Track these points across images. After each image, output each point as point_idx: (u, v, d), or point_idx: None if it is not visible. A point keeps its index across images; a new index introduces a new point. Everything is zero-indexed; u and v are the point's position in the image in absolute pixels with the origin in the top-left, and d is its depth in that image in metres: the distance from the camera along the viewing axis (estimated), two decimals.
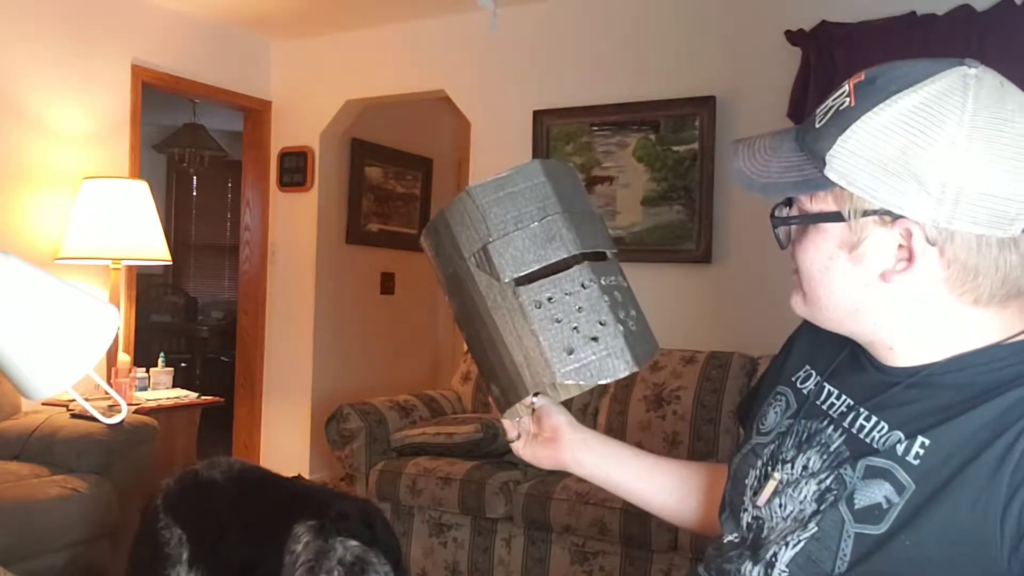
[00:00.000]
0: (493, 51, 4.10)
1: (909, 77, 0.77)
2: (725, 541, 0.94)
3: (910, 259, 0.78)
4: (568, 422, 1.08)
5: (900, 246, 0.78)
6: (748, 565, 0.87)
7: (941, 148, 0.74)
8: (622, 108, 3.76)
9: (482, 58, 4.15)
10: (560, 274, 0.91)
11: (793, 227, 0.87)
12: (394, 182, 5.22)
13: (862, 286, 0.81)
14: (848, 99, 0.80)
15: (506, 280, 0.91)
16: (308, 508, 1.90)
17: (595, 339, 0.90)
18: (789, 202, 0.87)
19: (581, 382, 0.90)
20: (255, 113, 4.74)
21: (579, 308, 0.90)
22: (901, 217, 0.77)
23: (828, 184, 0.79)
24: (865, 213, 0.78)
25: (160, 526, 1.97)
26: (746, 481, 0.93)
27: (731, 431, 3.20)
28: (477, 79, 4.18)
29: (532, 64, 4.03)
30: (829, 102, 0.82)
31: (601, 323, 0.90)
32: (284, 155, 4.72)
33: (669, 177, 3.67)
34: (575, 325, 0.90)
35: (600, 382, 0.89)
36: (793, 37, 3.33)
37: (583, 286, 0.91)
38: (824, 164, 0.79)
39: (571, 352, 0.89)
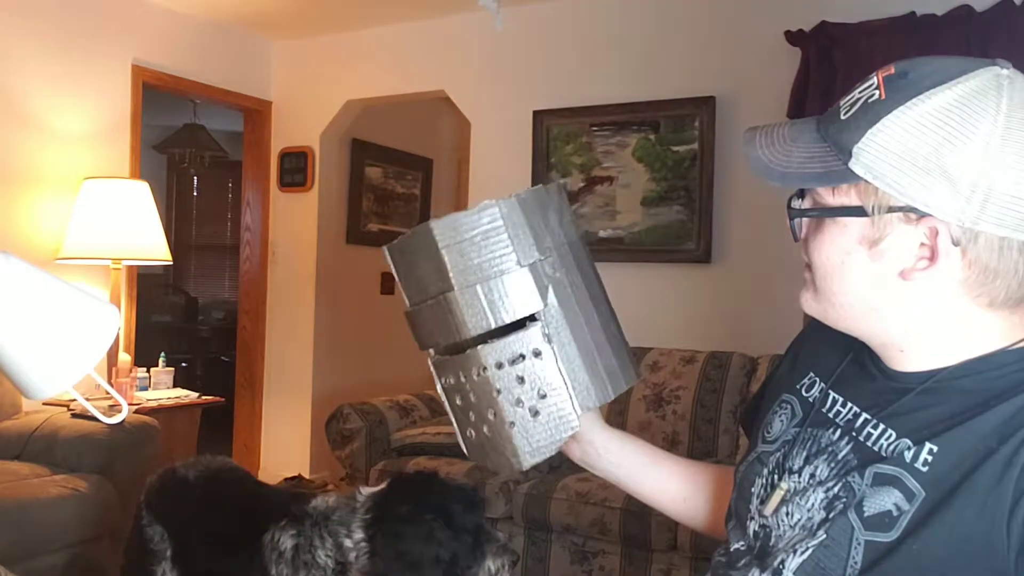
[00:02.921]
0: (493, 51, 4.10)
1: (942, 74, 0.75)
2: (732, 549, 0.93)
3: (932, 258, 0.77)
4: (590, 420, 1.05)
5: (922, 244, 0.77)
6: (755, 572, 0.86)
7: (975, 147, 0.72)
8: (622, 108, 3.76)
9: (482, 58, 4.15)
10: (461, 356, 0.91)
11: (808, 220, 0.85)
12: (394, 182, 5.22)
13: (879, 284, 0.80)
14: (877, 92, 0.77)
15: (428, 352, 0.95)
16: (277, 512, 1.84)
17: (489, 426, 0.91)
18: (802, 194, 0.85)
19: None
20: (255, 113, 4.74)
21: (474, 397, 0.91)
22: (927, 215, 0.75)
23: (852, 177, 0.77)
24: (890, 209, 0.76)
25: (144, 523, 1.97)
26: (752, 490, 0.92)
27: (731, 431, 3.20)
28: (477, 79, 4.18)
29: (532, 64, 4.03)
30: (855, 94, 0.80)
31: (493, 414, 0.91)
32: (284, 155, 4.72)
33: (669, 177, 3.67)
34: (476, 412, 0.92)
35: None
36: (793, 37, 3.33)
37: (477, 374, 0.90)
38: (850, 156, 0.77)
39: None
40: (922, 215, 0.76)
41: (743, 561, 0.90)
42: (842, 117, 0.79)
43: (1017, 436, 0.73)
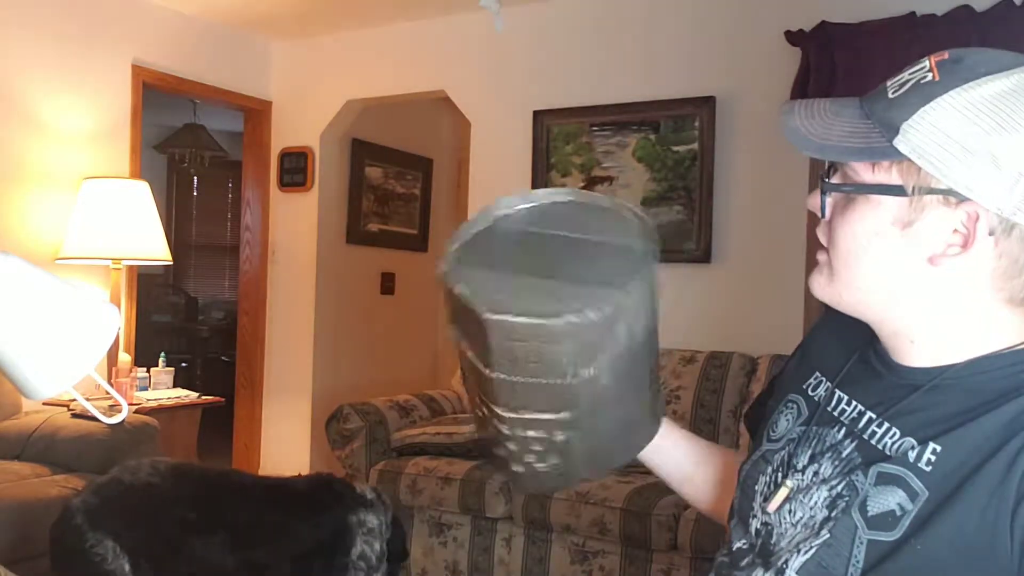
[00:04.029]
0: (493, 51, 4.10)
1: (999, 62, 0.75)
2: (735, 548, 0.92)
3: (965, 245, 0.76)
4: None
5: (955, 231, 0.76)
6: (759, 572, 0.86)
7: None
8: (622, 108, 3.76)
9: (482, 58, 4.15)
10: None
11: (835, 198, 0.83)
12: (394, 182, 5.22)
13: (905, 267, 0.79)
14: (931, 74, 0.76)
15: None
16: (317, 499, 2.06)
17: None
18: (829, 174, 0.84)
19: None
20: (255, 113, 4.74)
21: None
22: (966, 200, 0.74)
23: (895, 155, 0.76)
24: (930, 191, 0.75)
25: (88, 545, 1.87)
26: (756, 487, 0.92)
27: (731, 431, 3.20)
28: (477, 79, 4.18)
29: (532, 64, 4.03)
30: (904, 75, 0.79)
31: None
32: (284, 155, 4.72)
33: (669, 177, 3.67)
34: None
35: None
36: (793, 37, 3.33)
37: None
38: (896, 134, 0.75)
39: None
40: (962, 199, 0.75)
41: (746, 560, 0.89)
42: (890, 96, 0.78)
43: (1020, 436, 0.73)
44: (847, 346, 0.91)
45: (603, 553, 2.88)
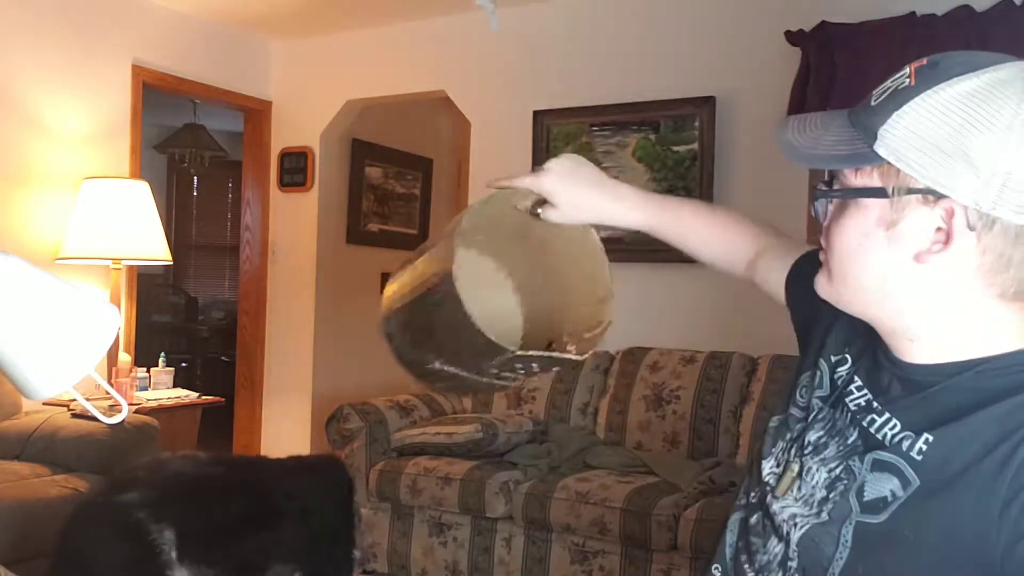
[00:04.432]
0: (493, 51, 4.10)
1: (971, 63, 0.77)
2: (752, 501, 0.97)
3: (947, 241, 0.78)
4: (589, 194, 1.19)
5: (938, 229, 0.78)
6: (773, 541, 0.90)
7: (997, 132, 0.74)
8: (622, 108, 3.76)
9: (482, 58, 4.15)
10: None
11: (832, 204, 0.87)
12: (394, 182, 5.22)
13: (894, 267, 0.81)
14: (908, 79, 0.79)
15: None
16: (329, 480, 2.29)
17: None
18: (830, 182, 0.87)
19: None
20: (255, 113, 4.74)
21: None
22: (944, 197, 0.76)
23: (876, 159, 0.79)
24: (910, 191, 0.78)
25: (152, 537, 1.95)
26: (774, 449, 0.96)
27: (731, 431, 3.20)
28: (477, 79, 4.18)
29: (532, 64, 4.03)
30: (887, 83, 0.82)
31: None
32: (284, 155, 4.72)
33: (669, 177, 3.67)
34: None
35: None
36: (793, 37, 3.33)
37: None
38: (875, 139, 0.79)
39: None
40: (940, 197, 0.77)
41: (755, 517, 0.94)
42: (872, 104, 0.81)
43: (1016, 435, 0.74)
44: (870, 333, 0.92)
45: (603, 553, 2.88)
